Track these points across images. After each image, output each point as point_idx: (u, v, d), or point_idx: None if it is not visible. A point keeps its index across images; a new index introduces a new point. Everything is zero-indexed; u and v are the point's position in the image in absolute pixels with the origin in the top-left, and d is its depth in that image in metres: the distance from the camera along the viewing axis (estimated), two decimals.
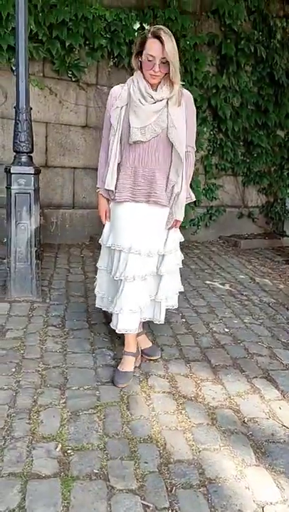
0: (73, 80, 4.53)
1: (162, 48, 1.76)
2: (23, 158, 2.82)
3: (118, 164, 1.97)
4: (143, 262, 1.98)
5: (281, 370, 2.24)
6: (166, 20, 4.62)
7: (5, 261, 2.99)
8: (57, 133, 4.61)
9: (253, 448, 1.63)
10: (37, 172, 2.84)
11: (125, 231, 1.97)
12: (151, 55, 1.79)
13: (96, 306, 2.25)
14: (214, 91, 5.18)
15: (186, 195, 2.02)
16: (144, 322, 2.22)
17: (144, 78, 1.87)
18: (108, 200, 2.07)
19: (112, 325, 2.03)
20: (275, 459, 1.58)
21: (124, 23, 4.46)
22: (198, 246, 5.20)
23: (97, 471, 1.45)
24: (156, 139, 1.90)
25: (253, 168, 5.70)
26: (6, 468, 1.43)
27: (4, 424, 1.65)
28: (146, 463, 1.51)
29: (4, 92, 4.26)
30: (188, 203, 2.16)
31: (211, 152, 5.41)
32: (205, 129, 5.23)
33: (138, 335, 2.17)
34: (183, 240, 2.18)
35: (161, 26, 1.81)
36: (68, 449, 1.54)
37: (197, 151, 2.16)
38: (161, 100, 1.87)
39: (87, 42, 4.41)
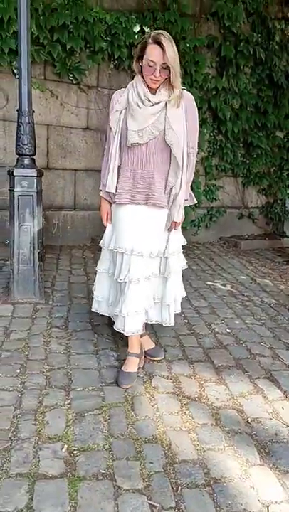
0: (74, 82, 4.56)
1: (163, 53, 1.78)
2: (26, 161, 2.83)
3: (118, 167, 2.00)
4: (146, 264, 2.00)
5: (284, 370, 2.25)
6: (165, 22, 4.65)
7: (8, 263, 3.01)
8: (58, 135, 4.63)
9: (257, 448, 1.64)
10: (40, 174, 2.86)
11: (126, 233, 1.99)
12: (152, 61, 1.81)
13: (92, 309, 2.26)
14: (214, 93, 5.21)
15: (184, 196, 2.02)
16: (146, 323, 2.23)
17: (144, 82, 1.89)
18: (110, 202, 2.09)
19: (118, 328, 2.05)
20: (279, 459, 1.59)
21: (124, 25, 4.49)
22: (199, 247, 5.22)
23: (103, 471, 1.46)
24: (154, 141, 1.92)
25: (252, 169, 5.73)
26: (13, 469, 1.45)
27: (10, 425, 1.66)
28: (151, 463, 1.52)
29: (6, 94, 4.29)
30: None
31: (211, 153, 5.44)
32: (205, 131, 5.26)
33: (141, 336, 2.18)
34: (185, 243, 2.20)
35: (161, 31, 1.83)
36: (74, 450, 1.56)
37: (197, 153, 2.16)
38: (159, 103, 1.89)
39: (88, 45, 4.44)
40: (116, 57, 4.57)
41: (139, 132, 1.89)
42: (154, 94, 1.90)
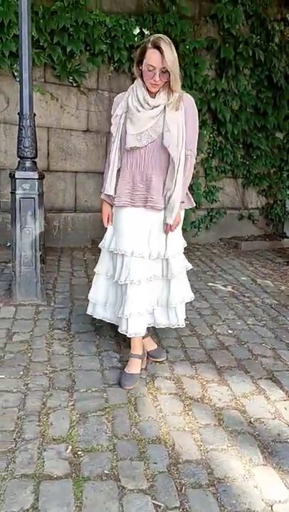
0: (74, 85, 4.58)
1: (162, 57, 1.80)
2: (28, 164, 2.85)
3: (118, 170, 2.02)
4: (146, 265, 2.02)
5: (285, 370, 2.26)
6: (165, 25, 4.66)
7: (10, 265, 3.02)
8: (58, 137, 4.65)
9: (260, 448, 1.65)
10: (41, 177, 2.88)
11: (126, 235, 2.01)
12: (151, 65, 1.82)
13: (87, 313, 2.26)
14: (213, 94, 5.22)
15: (180, 199, 2.00)
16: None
17: (144, 86, 1.91)
18: (111, 204, 2.11)
19: (121, 330, 2.06)
20: (282, 458, 1.60)
21: (124, 28, 4.50)
22: (200, 248, 5.23)
23: (107, 472, 1.47)
24: (153, 144, 1.93)
25: (252, 170, 5.74)
26: (18, 470, 1.46)
27: (15, 427, 1.67)
28: (155, 463, 1.53)
29: (6, 97, 4.30)
30: None
31: (211, 155, 5.45)
32: (205, 132, 5.27)
33: (143, 337, 2.19)
34: (186, 245, 2.20)
35: (160, 35, 1.84)
36: (78, 451, 1.57)
37: (197, 154, 2.18)
38: (158, 106, 1.91)
39: (88, 47, 4.45)
40: (116, 59, 4.59)
41: (138, 136, 1.91)
42: (154, 97, 1.91)
